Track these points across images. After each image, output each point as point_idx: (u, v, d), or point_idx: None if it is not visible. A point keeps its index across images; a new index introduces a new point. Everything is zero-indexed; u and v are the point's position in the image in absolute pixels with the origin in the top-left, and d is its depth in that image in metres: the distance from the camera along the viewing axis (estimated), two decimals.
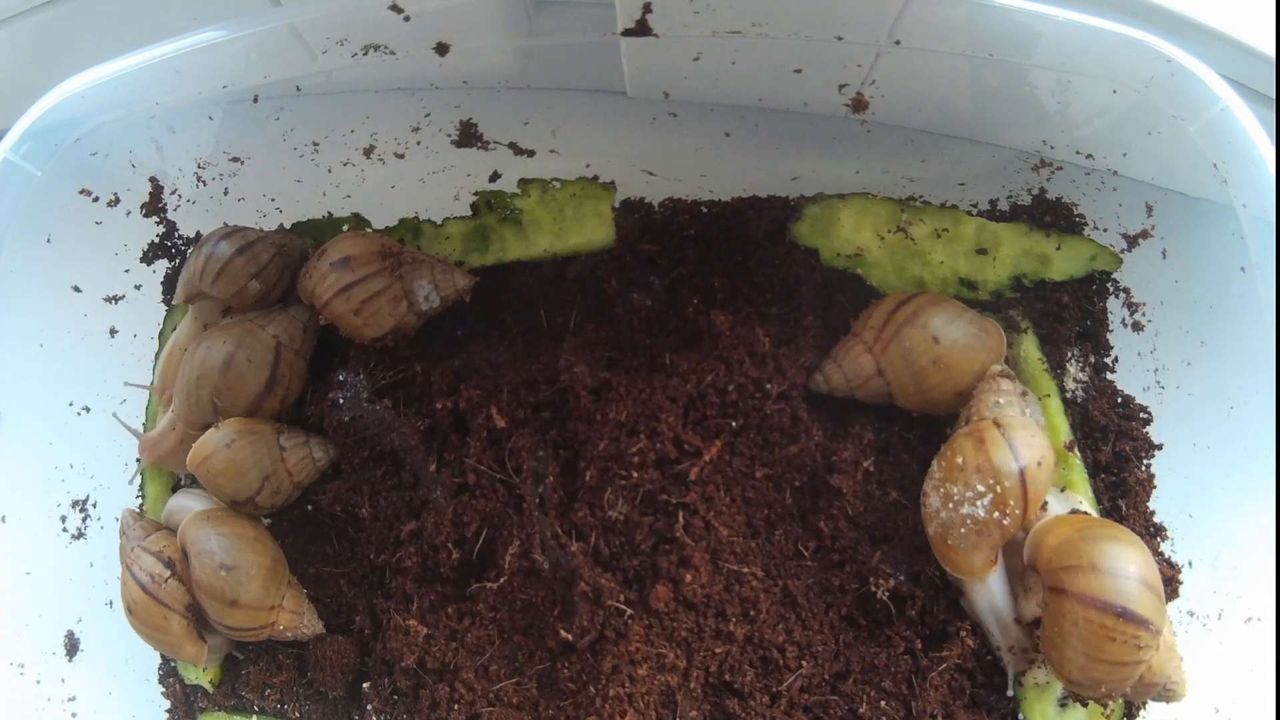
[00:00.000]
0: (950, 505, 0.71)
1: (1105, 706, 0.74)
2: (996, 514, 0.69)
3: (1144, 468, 0.80)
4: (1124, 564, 0.65)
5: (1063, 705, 0.75)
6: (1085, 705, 0.74)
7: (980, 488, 0.70)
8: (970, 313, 0.79)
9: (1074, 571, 0.66)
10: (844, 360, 0.80)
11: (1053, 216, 0.83)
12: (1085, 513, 0.75)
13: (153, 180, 0.90)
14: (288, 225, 0.94)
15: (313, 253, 0.87)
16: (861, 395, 0.80)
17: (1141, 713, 0.76)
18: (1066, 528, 0.70)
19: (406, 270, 0.85)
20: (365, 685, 0.85)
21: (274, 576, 0.82)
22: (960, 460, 0.72)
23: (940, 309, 0.77)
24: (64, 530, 0.90)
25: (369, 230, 0.93)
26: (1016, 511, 0.69)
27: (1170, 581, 0.76)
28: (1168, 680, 0.67)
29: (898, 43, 0.72)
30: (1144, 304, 0.82)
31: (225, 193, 0.92)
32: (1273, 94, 0.76)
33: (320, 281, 0.84)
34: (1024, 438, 0.71)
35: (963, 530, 0.70)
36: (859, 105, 0.81)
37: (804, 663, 0.77)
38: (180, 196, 0.92)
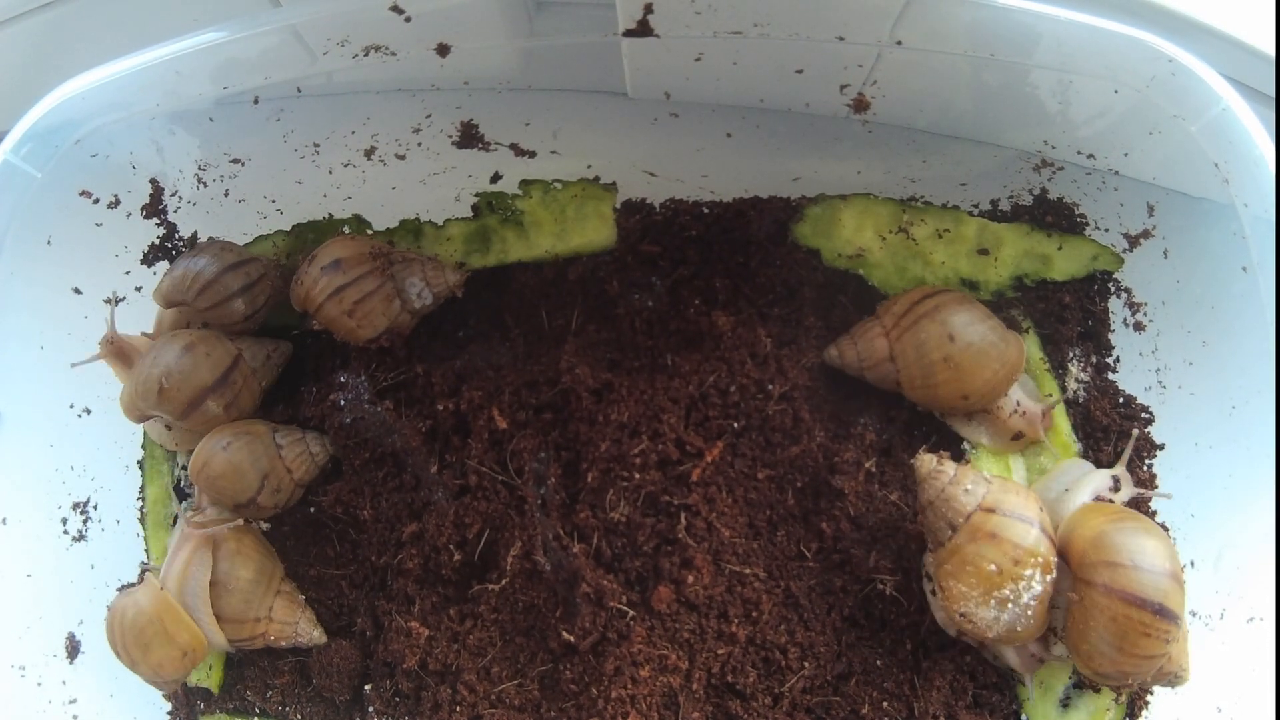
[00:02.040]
0: (1009, 606, 0.68)
1: (1118, 694, 0.74)
2: (1048, 578, 0.68)
3: (1146, 468, 0.80)
4: (1160, 560, 0.66)
5: (1064, 706, 0.75)
6: (1098, 691, 0.75)
7: (1029, 571, 0.68)
8: (994, 320, 0.77)
9: (1114, 568, 0.65)
10: (860, 339, 0.80)
11: (1054, 216, 0.83)
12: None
13: (153, 182, 0.90)
14: (288, 227, 0.94)
15: (302, 260, 0.87)
16: (871, 377, 0.80)
17: (1144, 713, 0.76)
18: (1098, 517, 0.69)
19: (398, 269, 0.85)
20: (367, 687, 0.85)
21: (256, 589, 0.82)
22: (992, 566, 0.68)
23: (964, 309, 0.76)
24: (65, 532, 0.89)
25: (370, 231, 0.92)
26: (1052, 559, 0.69)
27: None
28: (1180, 668, 0.68)
29: (899, 43, 0.72)
30: (1145, 304, 0.82)
31: (226, 194, 0.92)
32: (1273, 94, 0.76)
33: (313, 286, 0.84)
34: (1014, 504, 0.69)
35: (1029, 614, 0.69)
36: (860, 106, 0.81)
37: (806, 664, 0.77)
38: (181, 198, 0.92)
